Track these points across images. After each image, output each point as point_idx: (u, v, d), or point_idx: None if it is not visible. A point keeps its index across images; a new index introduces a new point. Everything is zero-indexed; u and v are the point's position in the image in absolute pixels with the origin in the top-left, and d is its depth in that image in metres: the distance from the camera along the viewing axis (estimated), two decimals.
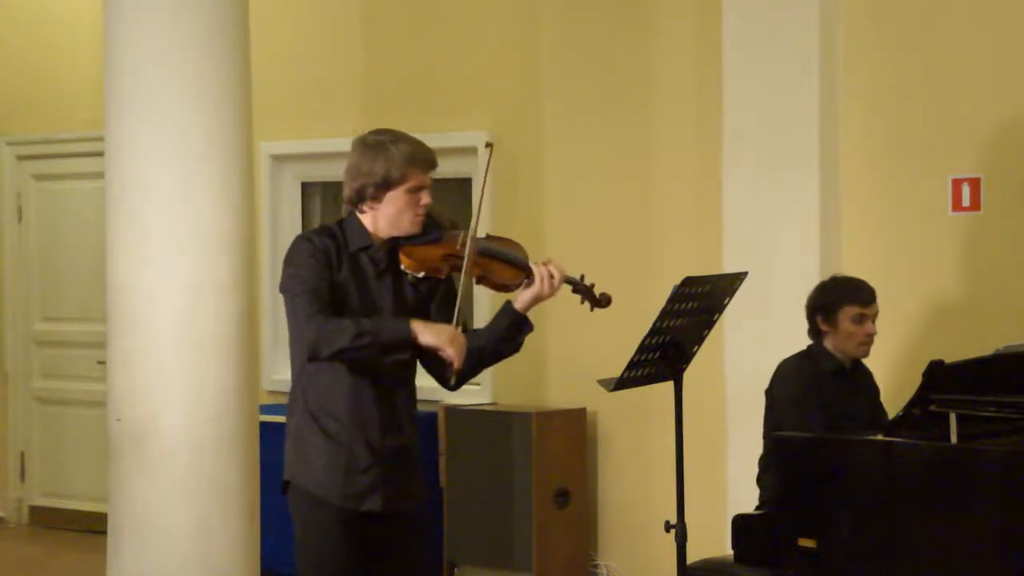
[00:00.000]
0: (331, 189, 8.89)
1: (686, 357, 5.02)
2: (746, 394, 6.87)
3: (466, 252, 4.51)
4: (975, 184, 6.73)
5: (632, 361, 4.91)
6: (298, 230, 8.77)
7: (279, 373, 8.61)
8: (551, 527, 7.52)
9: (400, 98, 8.34)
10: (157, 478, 6.09)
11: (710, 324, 5.07)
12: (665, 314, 4.85)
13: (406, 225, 4.58)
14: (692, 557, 5.28)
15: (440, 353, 4.46)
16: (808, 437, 5.39)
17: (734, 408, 7.00)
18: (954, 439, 4.93)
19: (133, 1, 6.17)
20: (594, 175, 7.81)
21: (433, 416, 7.75)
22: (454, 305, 4.55)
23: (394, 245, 4.60)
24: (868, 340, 5.78)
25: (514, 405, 7.85)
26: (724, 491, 6.97)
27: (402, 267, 4.59)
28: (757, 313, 6.74)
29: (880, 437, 5.16)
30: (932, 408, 5.03)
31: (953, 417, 4.93)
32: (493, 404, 7.98)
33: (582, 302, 4.68)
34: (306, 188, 8.96)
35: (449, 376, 4.52)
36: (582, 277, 4.68)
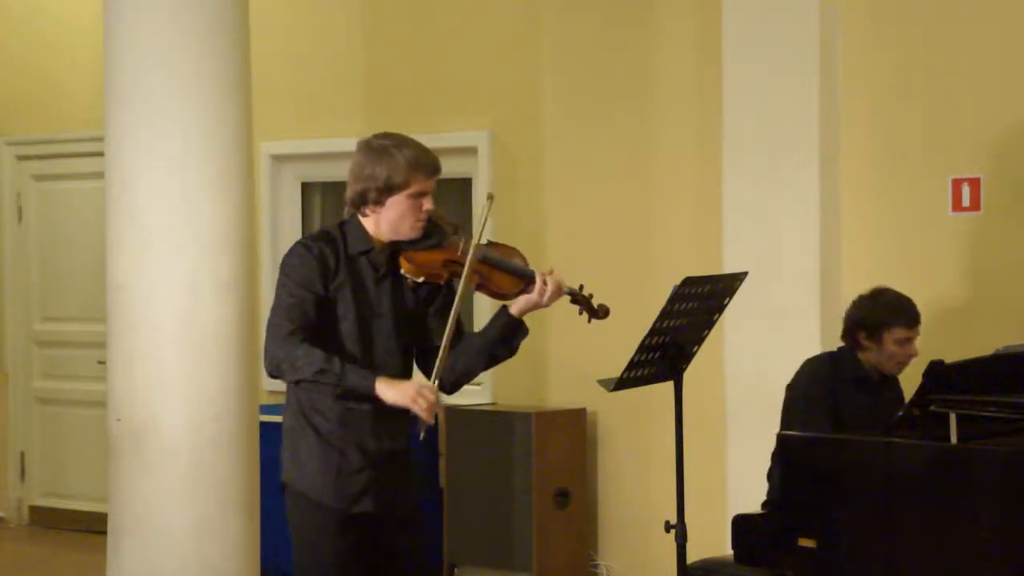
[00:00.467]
0: (331, 189, 8.88)
1: (686, 357, 5.02)
2: (746, 394, 6.88)
3: (467, 260, 4.50)
4: (975, 184, 6.73)
5: (632, 361, 4.91)
6: (298, 230, 8.78)
7: None
8: (551, 527, 7.52)
9: (400, 98, 8.34)
10: (157, 478, 6.09)
11: (710, 324, 5.07)
12: (665, 314, 4.85)
13: (407, 230, 4.57)
14: (692, 557, 5.28)
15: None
16: (809, 437, 5.39)
17: (734, 408, 6.99)
18: (954, 439, 4.93)
19: (133, 1, 6.17)
20: (594, 175, 7.81)
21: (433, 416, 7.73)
22: (450, 312, 4.50)
23: (395, 249, 4.60)
24: (907, 361, 5.71)
25: (514, 405, 7.85)
26: (724, 491, 6.97)
27: (402, 271, 4.58)
28: (757, 313, 6.74)
29: (880, 437, 5.16)
30: (932, 408, 5.03)
31: (953, 417, 4.92)
32: (493, 404, 7.98)
33: (580, 312, 4.67)
34: (306, 188, 8.96)
35: (418, 431, 4.48)
36: (581, 287, 4.66)
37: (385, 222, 4.57)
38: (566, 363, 7.79)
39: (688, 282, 4.85)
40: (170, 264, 6.10)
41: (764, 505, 5.73)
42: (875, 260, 6.85)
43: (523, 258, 4.63)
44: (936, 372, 5.05)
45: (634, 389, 5.08)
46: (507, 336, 4.62)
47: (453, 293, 4.58)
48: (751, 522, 5.46)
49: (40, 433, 9.89)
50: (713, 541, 6.39)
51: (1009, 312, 6.60)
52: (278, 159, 8.87)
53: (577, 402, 7.75)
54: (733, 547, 5.52)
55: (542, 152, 7.98)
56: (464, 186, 8.24)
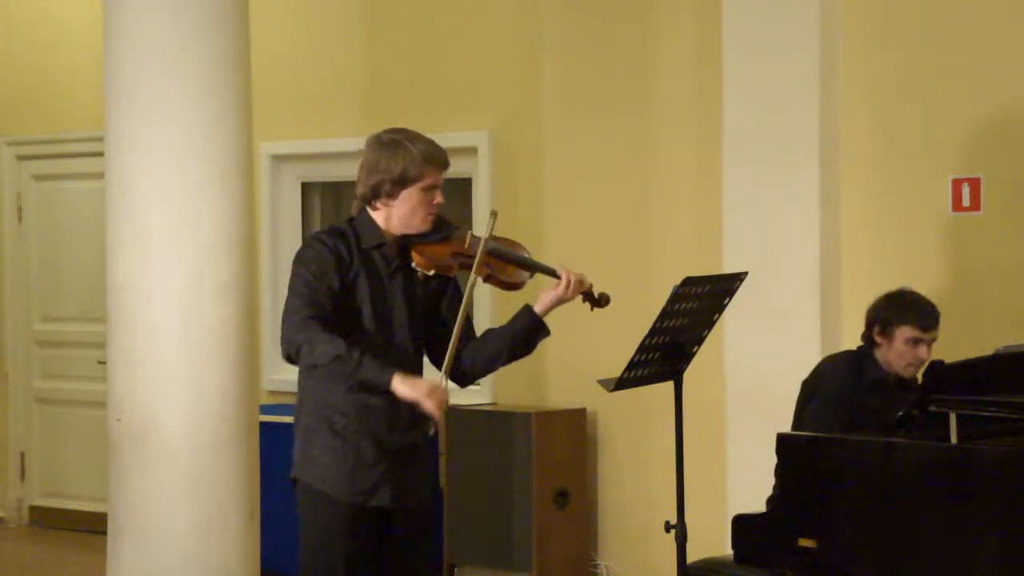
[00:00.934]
0: (331, 189, 8.89)
1: (686, 357, 5.02)
2: (746, 394, 6.88)
3: (477, 252, 4.56)
4: (975, 184, 6.73)
5: (632, 361, 4.91)
6: (298, 230, 8.79)
7: (279, 373, 8.61)
8: (551, 527, 7.52)
9: (400, 98, 8.34)
10: (157, 478, 6.10)
11: (710, 324, 5.07)
12: (665, 314, 4.85)
13: (418, 223, 4.63)
14: (692, 557, 5.28)
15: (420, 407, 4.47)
16: (808, 436, 5.39)
17: (734, 408, 7.00)
18: (954, 439, 4.93)
19: (133, 1, 6.18)
20: (594, 175, 7.81)
21: None
22: (460, 305, 4.59)
23: (405, 243, 4.65)
24: (917, 363, 5.68)
25: (514, 405, 7.86)
26: (724, 491, 6.97)
27: (413, 264, 4.64)
28: (757, 313, 6.74)
29: (880, 437, 5.16)
30: (932, 408, 5.02)
31: (953, 417, 4.92)
32: (493, 404, 7.98)
33: (583, 301, 4.74)
34: (306, 188, 8.96)
35: (427, 429, 4.55)
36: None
37: (397, 215, 4.62)
38: (566, 363, 7.78)
39: (688, 282, 4.86)
40: (170, 264, 6.11)
41: (769, 501, 5.73)
42: (875, 260, 6.85)
43: (527, 252, 4.72)
44: (936, 372, 5.05)
45: (634, 389, 5.08)
46: (530, 335, 4.68)
47: (460, 291, 4.65)
48: (751, 522, 5.45)
49: (40, 433, 9.89)
50: (713, 541, 6.39)
51: (1009, 312, 6.60)
52: (278, 159, 8.87)
53: (577, 402, 7.75)
54: (733, 547, 5.52)
55: (542, 152, 7.98)
56: (464, 186, 8.24)
